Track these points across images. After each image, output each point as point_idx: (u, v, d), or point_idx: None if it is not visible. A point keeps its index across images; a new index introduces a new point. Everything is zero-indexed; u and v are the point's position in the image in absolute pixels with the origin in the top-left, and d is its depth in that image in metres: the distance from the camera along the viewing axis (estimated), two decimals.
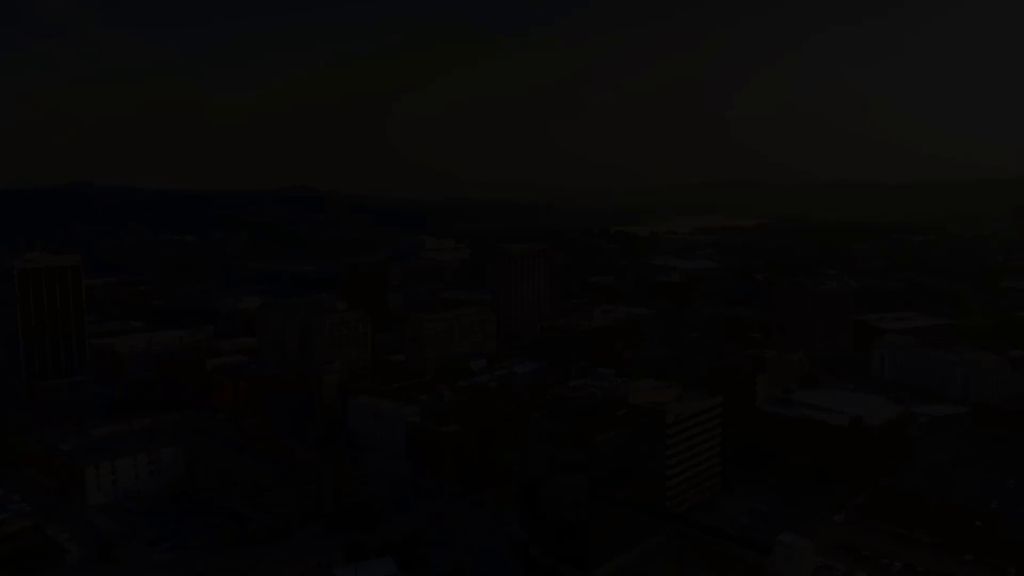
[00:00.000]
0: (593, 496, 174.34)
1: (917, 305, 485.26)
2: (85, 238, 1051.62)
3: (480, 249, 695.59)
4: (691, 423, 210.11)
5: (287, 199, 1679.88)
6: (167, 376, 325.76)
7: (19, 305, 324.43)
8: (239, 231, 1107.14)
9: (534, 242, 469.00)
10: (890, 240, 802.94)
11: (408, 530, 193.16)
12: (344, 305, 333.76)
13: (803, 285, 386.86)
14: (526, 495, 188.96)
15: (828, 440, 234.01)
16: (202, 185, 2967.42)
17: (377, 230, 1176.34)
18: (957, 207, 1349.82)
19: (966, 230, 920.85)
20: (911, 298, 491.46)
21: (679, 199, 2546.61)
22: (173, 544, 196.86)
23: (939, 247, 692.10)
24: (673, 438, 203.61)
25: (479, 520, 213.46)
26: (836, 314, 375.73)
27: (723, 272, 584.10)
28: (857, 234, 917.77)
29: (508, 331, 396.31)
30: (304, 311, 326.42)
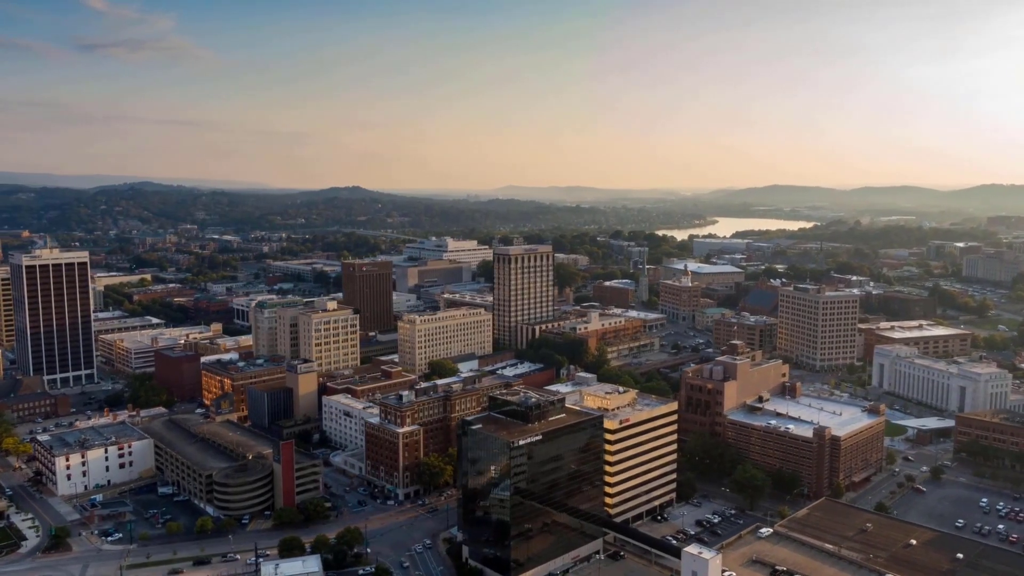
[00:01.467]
0: (527, 500, 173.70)
1: (942, 313, 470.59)
2: (132, 235, 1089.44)
3: None
4: (639, 430, 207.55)
5: (337, 199, 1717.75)
6: (165, 372, 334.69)
7: (26, 300, 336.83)
8: (280, 230, 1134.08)
9: (563, 243, 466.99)
10: (931, 246, 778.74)
11: (345, 528, 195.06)
12: (335, 305, 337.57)
13: (807, 291, 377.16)
14: (463, 497, 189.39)
15: (791, 450, 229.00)
16: (263, 185, 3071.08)
17: (416, 230, 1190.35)
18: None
19: (1017, 237, 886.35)
20: (936, 306, 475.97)
21: (739, 201, 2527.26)
22: (124, 535, 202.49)
23: (978, 254, 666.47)
24: (616, 444, 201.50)
25: (427, 520, 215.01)
26: (841, 321, 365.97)
27: (744, 276, 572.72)
28: (900, 239, 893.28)
29: (507, 333, 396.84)
30: (294, 310, 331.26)
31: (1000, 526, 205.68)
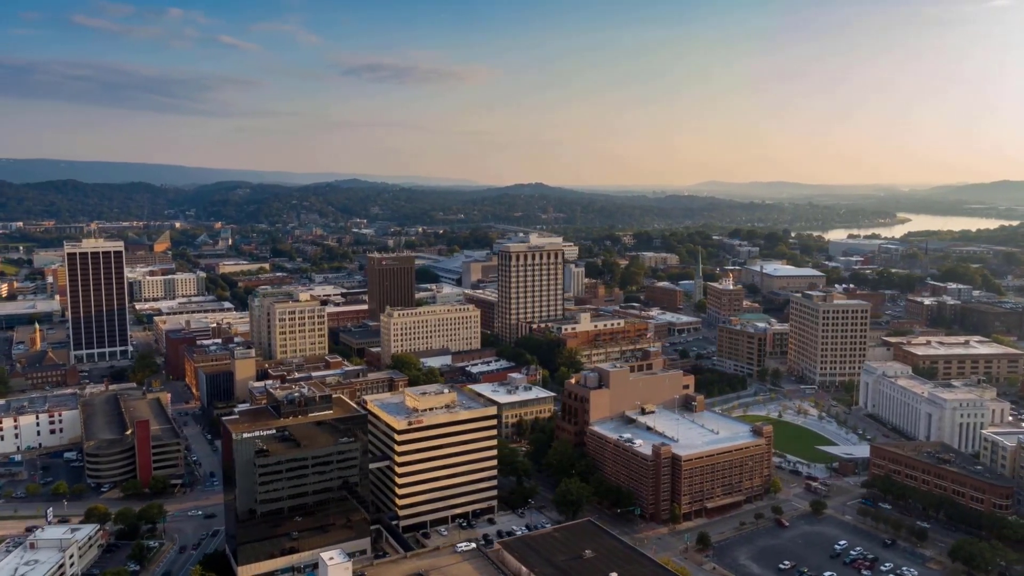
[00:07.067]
0: (262, 492, 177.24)
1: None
2: (308, 228, 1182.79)
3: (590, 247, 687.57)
4: (438, 432, 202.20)
5: (507, 196, 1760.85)
6: (170, 351, 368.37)
7: (68, 284, 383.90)
8: (438, 224, 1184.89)
9: (671, 242, 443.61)
10: None
11: (148, 505, 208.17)
12: (307, 297, 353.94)
13: (811, 298, 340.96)
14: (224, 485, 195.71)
15: (633, 467, 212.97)
16: (466, 181, 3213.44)
17: (566, 226, 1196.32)
18: None
19: None
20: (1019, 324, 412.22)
21: (955, 197, 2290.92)
22: None
23: None
24: (406, 445, 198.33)
25: None
26: (847, 332, 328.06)
27: (827, 281, 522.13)
28: None
29: (507, 330, 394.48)
30: (270, 300, 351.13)
31: (828, 573, 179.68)
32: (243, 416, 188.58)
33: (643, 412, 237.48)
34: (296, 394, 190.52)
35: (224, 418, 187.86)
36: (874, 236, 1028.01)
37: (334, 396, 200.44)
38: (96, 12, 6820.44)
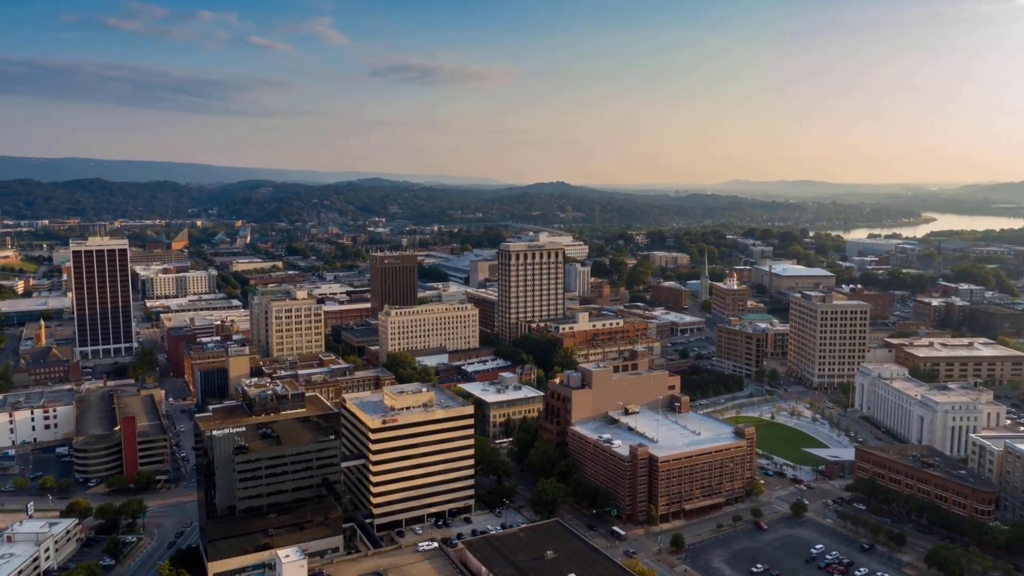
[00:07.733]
0: (239, 488, 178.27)
1: None
2: (326, 227, 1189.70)
3: (602, 247, 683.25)
4: (413, 431, 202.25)
5: (527, 195, 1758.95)
6: (171, 349, 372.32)
7: (74, 282, 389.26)
8: (456, 223, 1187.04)
9: (683, 242, 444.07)
10: None
11: (128, 500, 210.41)
12: (304, 295, 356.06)
13: (810, 298, 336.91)
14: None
15: (611, 468, 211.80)
16: (489, 180, 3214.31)
17: (584, 225, 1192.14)
18: None
19: None
20: None
21: (983, 196, 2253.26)
22: None
23: None
24: (380, 444, 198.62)
25: None
26: (846, 333, 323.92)
27: (836, 281, 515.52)
28: None
29: (507, 329, 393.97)
30: (267, 299, 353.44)
31: None
32: (216, 413, 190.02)
33: (626, 412, 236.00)
34: (269, 392, 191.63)
35: (197, 415, 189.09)
36: (895, 236, 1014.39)
37: (309, 394, 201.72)
38: (130, 15, 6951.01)
